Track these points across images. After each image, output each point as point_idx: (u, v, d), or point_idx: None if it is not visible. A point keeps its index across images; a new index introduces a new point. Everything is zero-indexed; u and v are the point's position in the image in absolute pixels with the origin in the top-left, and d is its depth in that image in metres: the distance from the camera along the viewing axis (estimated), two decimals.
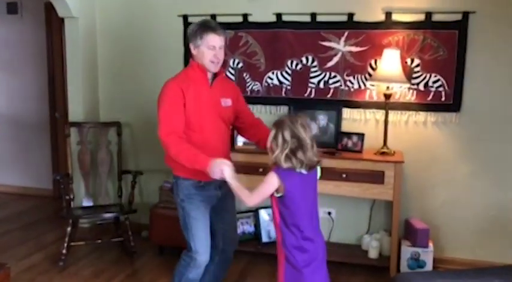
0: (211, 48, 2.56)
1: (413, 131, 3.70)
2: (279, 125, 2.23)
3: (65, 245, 3.71)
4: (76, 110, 4.33)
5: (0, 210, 5.04)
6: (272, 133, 2.24)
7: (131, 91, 4.34)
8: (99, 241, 4.06)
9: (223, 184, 2.59)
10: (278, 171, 2.22)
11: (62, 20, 4.36)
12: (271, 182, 2.22)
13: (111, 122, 4.25)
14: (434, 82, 3.60)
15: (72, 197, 3.94)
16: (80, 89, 4.30)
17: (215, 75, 2.69)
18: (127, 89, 4.37)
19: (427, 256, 3.49)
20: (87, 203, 4.26)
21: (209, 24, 2.60)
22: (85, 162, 4.16)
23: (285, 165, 2.19)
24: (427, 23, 3.55)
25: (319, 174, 2.40)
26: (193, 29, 2.61)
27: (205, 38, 2.56)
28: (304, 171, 2.23)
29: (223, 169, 2.31)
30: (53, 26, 5.17)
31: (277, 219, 2.30)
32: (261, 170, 3.52)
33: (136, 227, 4.23)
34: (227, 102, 2.71)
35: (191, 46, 2.63)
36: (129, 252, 3.90)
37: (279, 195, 2.24)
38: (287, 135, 2.19)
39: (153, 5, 4.19)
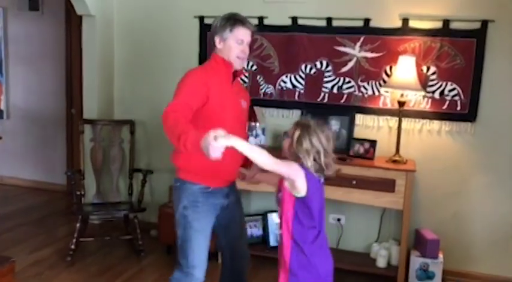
0: (239, 43, 2.39)
1: (427, 140, 3.65)
2: (304, 127, 2.03)
3: (74, 240, 3.74)
4: (91, 107, 4.38)
5: (13, 203, 5.12)
6: (296, 134, 2.03)
7: (146, 90, 4.37)
8: (108, 238, 4.10)
9: (231, 192, 2.51)
10: (304, 168, 2.00)
11: (81, 17, 4.40)
12: (297, 168, 1.98)
13: (124, 120, 4.28)
14: (450, 91, 3.54)
15: (83, 193, 3.98)
16: (95, 86, 4.35)
17: (234, 74, 2.47)
18: (142, 88, 4.40)
19: (437, 267, 3.43)
20: (97, 200, 4.30)
21: (239, 17, 2.42)
22: (97, 159, 4.19)
23: (310, 167, 2.01)
24: (445, 31, 3.50)
25: None
26: (222, 21, 2.41)
27: (235, 31, 2.38)
28: (322, 179, 2.07)
29: (215, 138, 1.82)
30: (73, 23, 5.21)
31: (290, 223, 2.08)
32: None
33: (146, 226, 4.24)
34: (244, 104, 2.54)
35: (217, 39, 2.41)
36: (137, 250, 3.91)
37: (300, 195, 2.01)
38: (315, 141, 2.00)
39: (169, 6, 4.21)
